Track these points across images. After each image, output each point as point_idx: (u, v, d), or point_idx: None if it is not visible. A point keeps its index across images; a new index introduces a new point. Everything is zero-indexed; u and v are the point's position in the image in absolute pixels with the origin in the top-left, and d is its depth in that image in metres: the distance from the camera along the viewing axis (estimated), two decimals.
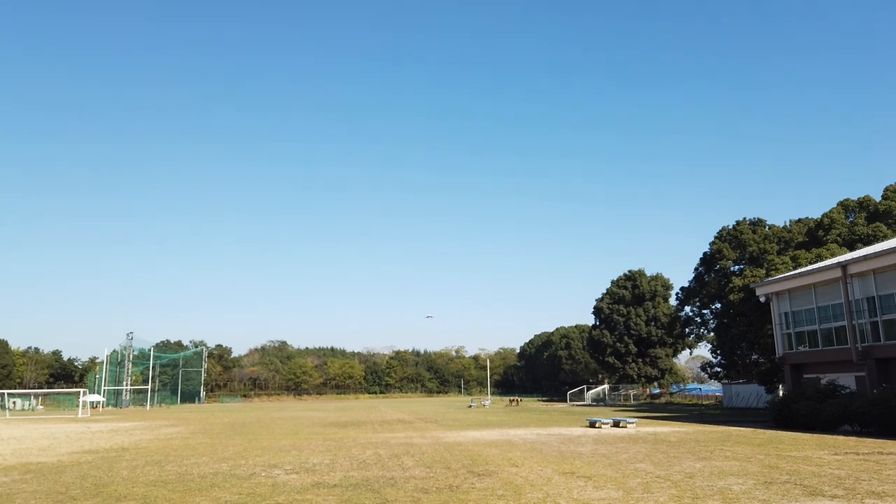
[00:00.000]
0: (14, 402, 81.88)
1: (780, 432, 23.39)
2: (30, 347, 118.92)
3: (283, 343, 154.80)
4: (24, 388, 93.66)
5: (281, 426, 32.55)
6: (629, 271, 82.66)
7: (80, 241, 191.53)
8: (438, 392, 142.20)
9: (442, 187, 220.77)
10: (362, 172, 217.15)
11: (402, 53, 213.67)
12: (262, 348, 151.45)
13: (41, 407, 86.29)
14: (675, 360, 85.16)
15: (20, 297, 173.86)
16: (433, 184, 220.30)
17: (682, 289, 59.95)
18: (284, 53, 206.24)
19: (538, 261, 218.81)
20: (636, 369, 77.26)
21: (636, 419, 29.78)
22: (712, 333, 57.87)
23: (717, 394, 66.40)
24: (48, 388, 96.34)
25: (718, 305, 52.49)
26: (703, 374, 76.94)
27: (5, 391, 66.11)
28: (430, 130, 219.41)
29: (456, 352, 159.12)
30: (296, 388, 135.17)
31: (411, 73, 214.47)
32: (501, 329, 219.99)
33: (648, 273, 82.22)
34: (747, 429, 25.62)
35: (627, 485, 11.36)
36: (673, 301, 72.61)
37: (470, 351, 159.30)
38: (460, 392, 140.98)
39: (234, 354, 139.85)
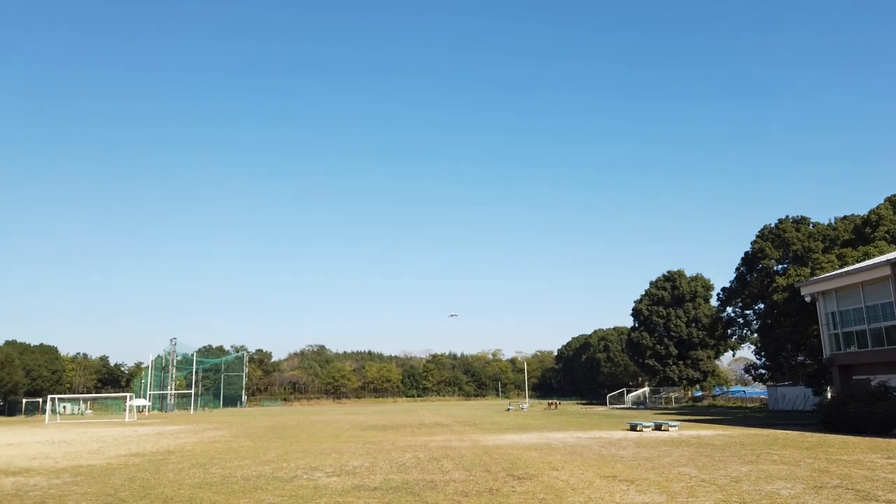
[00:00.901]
0: (64, 407, 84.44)
1: (829, 435, 22.72)
2: (78, 353, 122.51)
3: (322, 347, 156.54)
4: (74, 393, 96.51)
5: (321, 429, 32.89)
6: (668, 272, 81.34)
7: (124, 251, 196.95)
8: (476, 395, 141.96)
9: (476, 191, 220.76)
10: (396, 177, 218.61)
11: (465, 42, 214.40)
12: (301, 353, 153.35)
13: (90, 411, 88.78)
14: (717, 361, 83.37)
15: (69, 306, 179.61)
16: (468, 187, 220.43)
17: (723, 289, 58.73)
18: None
19: (574, 262, 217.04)
20: (677, 372, 75.91)
21: (678, 422, 29.25)
22: (756, 334, 56.55)
23: (761, 396, 64.83)
24: (96, 393, 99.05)
25: (761, 306, 51.26)
26: (746, 376, 75.10)
27: (56, 396, 68.21)
28: (460, 128, 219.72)
29: (493, 355, 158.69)
30: (334, 391, 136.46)
31: (458, 66, 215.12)
32: (538, 331, 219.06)
33: (688, 273, 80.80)
34: (794, 432, 24.95)
35: (671, 489, 11.16)
36: (714, 302, 71.12)
37: (507, 354, 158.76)
38: (498, 395, 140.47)
39: (274, 359, 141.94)
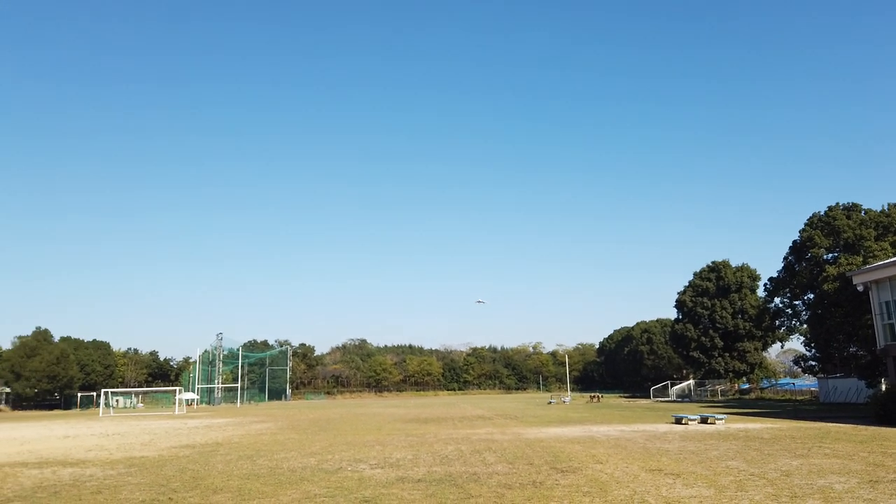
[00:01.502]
0: (117, 400, 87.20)
1: (883, 429, 21.98)
2: (129, 349, 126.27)
3: (363, 341, 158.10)
4: (126, 387, 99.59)
5: (364, 422, 33.26)
6: (712, 262, 79.61)
7: (170, 252, 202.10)
8: (516, 388, 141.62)
9: (516, 181, 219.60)
10: (437, 167, 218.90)
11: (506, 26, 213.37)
12: (343, 346, 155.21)
13: (141, 404, 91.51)
14: (764, 353, 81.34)
15: (120, 303, 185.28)
16: (510, 178, 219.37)
17: (770, 279, 57.28)
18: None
19: (615, 254, 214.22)
20: (723, 364, 74.35)
21: (725, 415, 28.67)
22: (805, 325, 55.02)
23: (811, 389, 63.05)
24: (147, 387, 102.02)
25: (811, 296, 49.84)
26: (795, 368, 73.21)
27: (109, 390, 70.49)
28: (506, 123, 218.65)
29: (533, 348, 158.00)
30: (376, 385, 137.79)
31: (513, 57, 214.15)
32: (579, 324, 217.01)
33: (733, 264, 78.96)
34: (847, 425, 24.21)
35: (719, 483, 10.96)
36: (761, 292, 69.44)
37: (547, 347, 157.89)
38: (539, 388, 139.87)
39: (317, 353, 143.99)
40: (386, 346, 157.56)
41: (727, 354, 74.74)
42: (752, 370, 76.17)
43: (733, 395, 70.14)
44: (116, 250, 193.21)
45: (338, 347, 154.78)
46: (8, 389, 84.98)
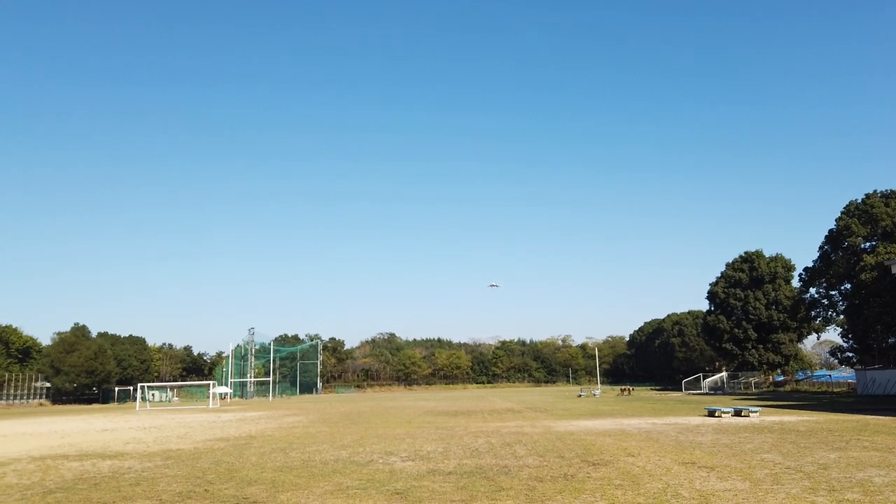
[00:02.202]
0: (153, 394, 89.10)
1: None
2: (164, 343, 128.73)
3: (392, 335, 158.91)
4: (161, 381, 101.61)
5: (394, 415, 33.46)
6: (745, 253, 78.27)
7: (203, 249, 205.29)
8: (546, 382, 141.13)
9: (546, 174, 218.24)
10: (462, 163, 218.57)
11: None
12: (373, 340, 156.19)
13: (176, 398, 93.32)
14: (800, 345, 79.81)
15: (155, 299, 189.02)
16: (535, 172, 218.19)
17: (805, 269, 56.19)
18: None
19: (644, 245, 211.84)
20: (756, 356, 73.13)
21: (759, 408, 28.20)
22: (842, 316, 53.90)
23: (849, 381, 61.69)
24: (181, 381, 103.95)
25: (848, 286, 48.77)
26: (832, 359, 71.78)
27: (145, 384, 72.04)
28: (535, 120, 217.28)
29: (562, 341, 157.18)
30: (405, 378, 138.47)
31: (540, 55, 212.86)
32: (609, 317, 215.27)
33: (767, 254, 77.50)
34: (886, 417, 23.65)
35: (754, 476, 10.79)
36: (796, 283, 68.18)
37: (577, 340, 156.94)
38: (568, 381, 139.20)
39: (347, 347, 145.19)
40: (415, 339, 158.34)
41: (761, 346, 73.51)
42: (787, 362, 74.82)
43: (767, 387, 68.99)
44: (151, 247, 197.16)
45: (367, 341, 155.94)
46: (48, 384, 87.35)
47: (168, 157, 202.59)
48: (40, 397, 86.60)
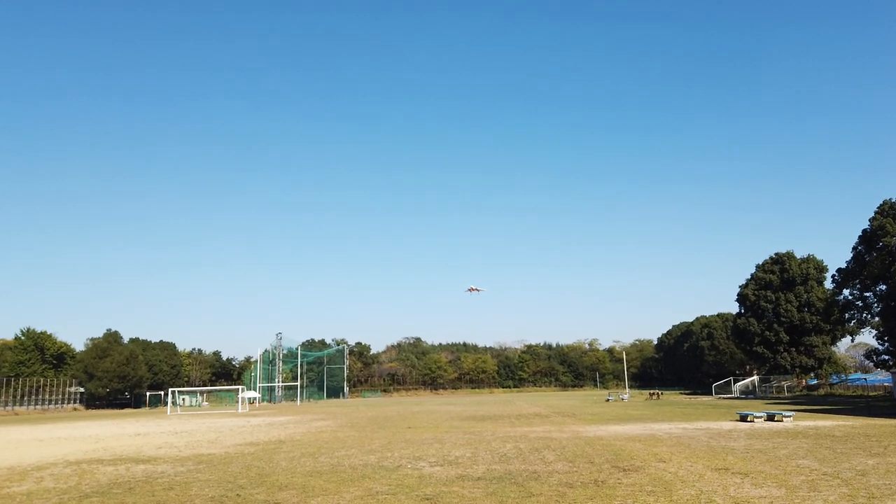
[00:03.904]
0: (183, 399, 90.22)
1: None
2: (194, 349, 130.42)
3: (418, 339, 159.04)
4: (191, 386, 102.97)
5: (421, 420, 33.47)
6: (776, 254, 76.85)
7: (231, 255, 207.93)
8: (573, 386, 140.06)
9: (569, 177, 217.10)
10: (492, 170, 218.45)
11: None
12: (399, 345, 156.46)
13: (206, 403, 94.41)
14: (833, 348, 78.01)
15: (185, 305, 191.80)
16: (563, 176, 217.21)
17: (838, 270, 55.04)
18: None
19: (671, 248, 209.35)
20: (789, 359, 71.69)
21: (793, 412, 27.64)
22: (877, 318, 52.61)
23: (885, 384, 60.17)
24: (211, 386, 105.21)
25: (883, 287, 47.64)
26: (867, 362, 70.11)
27: (176, 389, 73.00)
28: (565, 119, 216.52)
29: (589, 344, 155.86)
30: (431, 382, 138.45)
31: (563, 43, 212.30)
32: (636, 320, 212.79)
33: (798, 255, 76.03)
34: None
35: (790, 482, 10.57)
36: (828, 284, 66.70)
37: (604, 343, 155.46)
38: (595, 385, 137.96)
39: (373, 351, 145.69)
40: (440, 343, 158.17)
41: (793, 349, 72.08)
42: (821, 365, 73.25)
43: (801, 391, 67.61)
44: (180, 255, 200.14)
45: (393, 346, 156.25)
46: (82, 389, 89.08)
47: (196, 166, 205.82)
48: (74, 402, 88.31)
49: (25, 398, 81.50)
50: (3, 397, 79.28)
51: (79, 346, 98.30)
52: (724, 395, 66.90)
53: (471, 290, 75.77)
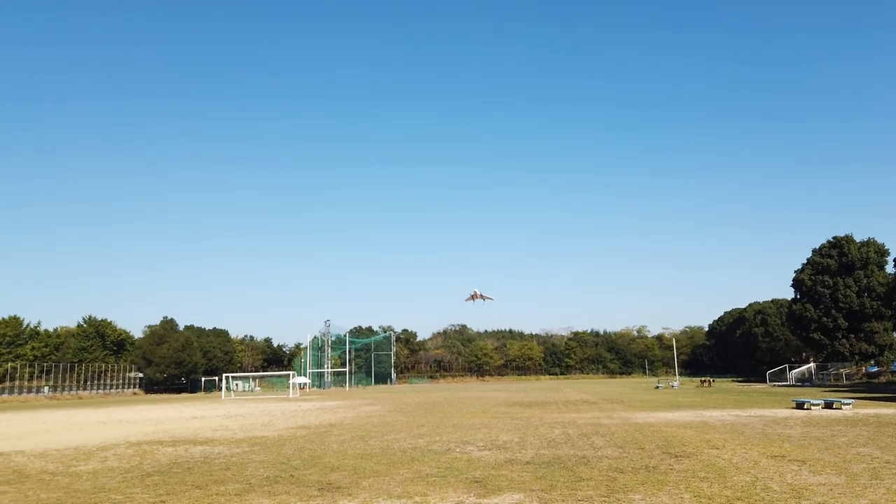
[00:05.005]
0: (237, 384, 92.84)
1: None
2: (246, 336, 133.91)
3: (464, 326, 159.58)
4: (244, 372, 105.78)
5: (468, 405, 33.62)
6: (834, 238, 74.15)
7: (282, 244, 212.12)
8: (621, 373, 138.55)
9: (620, 161, 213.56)
10: (553, 149, 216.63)
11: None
12: (445, 332, 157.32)
13: (258, 388, 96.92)
14: (895, 334, 75.08)
15: (237, 293, 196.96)
16: (610, 157, 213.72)
17: None
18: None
19: (723, 232, 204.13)
20: (847, 346, 69.27)
21: (852, 400, 26.74)
22: None
23: None
24: (262, 372, 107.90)
25: None
26: None
27: (229, 374, 75.16)
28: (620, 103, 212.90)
29: (637, 331, 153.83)
30: (477, 369, 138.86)
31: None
32: (686, 307, 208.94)
33: (857, 238, 73.19)
34: None
35: (850, 470, 10.25)
36: (890, 268, 64.19)
37: (653, 330, 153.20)
38: (644, 373, 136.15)
39: (419, 338, 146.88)
40: (486, 331, 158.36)
41: (852, 336, 69.63)
42: (882, 352, 70.56)
43: (860, 378, 65.34)
44: (233, 244, 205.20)
45: (439, 333, 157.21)
46: (141, 374, 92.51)
47: (247, 163, 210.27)
48: (134, 387, 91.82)
49: (88, 383, 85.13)
50: (67, 382, 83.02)
51: (137, 333, 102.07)
52: (779, 383, 65.17)
53: (473, 297, 63.89)
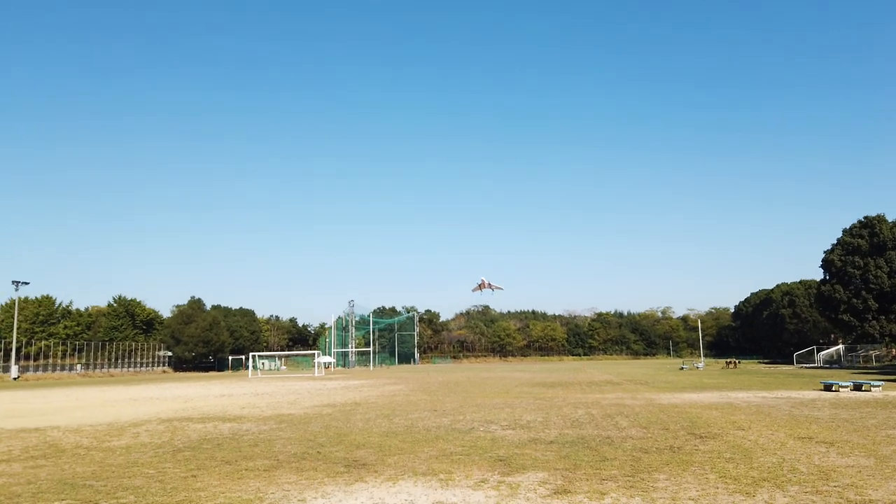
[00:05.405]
0: (263, 363, 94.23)
1: None
2: (272, 315, 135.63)
3: (486, 307, 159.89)
4: (270, 351, 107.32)
5: (491, 385, 33.79)
6: (865, 217, 72.52)
7: (305, 225, 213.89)
8: (644, 354, 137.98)
9: (647, 137, 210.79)
10: (560, 140, 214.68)
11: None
12: (467, 312, 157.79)
13: (284, 367, 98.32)
14: None
15: (263, 274, 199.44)
16: (635, 137, 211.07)
17: None
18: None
19: (749, 212, 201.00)
20: (878, 328, 68.04)
21: (882, 382, 26.34)
22: None
23: None
24: (288, 351, 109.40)
25: None
26: None
27: (256, 354, 76.34)
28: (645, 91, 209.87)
29: (662, 312, 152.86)
30: (500, 350, 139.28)
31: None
32: (711, 288, 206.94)
33: (889, 218, 71.53)
34: None
35: (880, 452, 10.13)
36: None
37: (677, 311, 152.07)
38: (669, 354, 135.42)
39: (442, 319, 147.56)
40: (509, 311, 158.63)
41: (883, 317, 68.31)
42: None
43: (890, 360, 64.27)
44: (258, 225, 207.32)
45: (462, 313, 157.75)
46: (170, 353, 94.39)
47: (266, 151, 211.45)
48: (163, 365, 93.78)
49: (119, 361, 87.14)
50: (99, 360, 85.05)
51: (165, 312, 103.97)
52: (807, 365, 64.42)
53: (481, 286, 61.69)
